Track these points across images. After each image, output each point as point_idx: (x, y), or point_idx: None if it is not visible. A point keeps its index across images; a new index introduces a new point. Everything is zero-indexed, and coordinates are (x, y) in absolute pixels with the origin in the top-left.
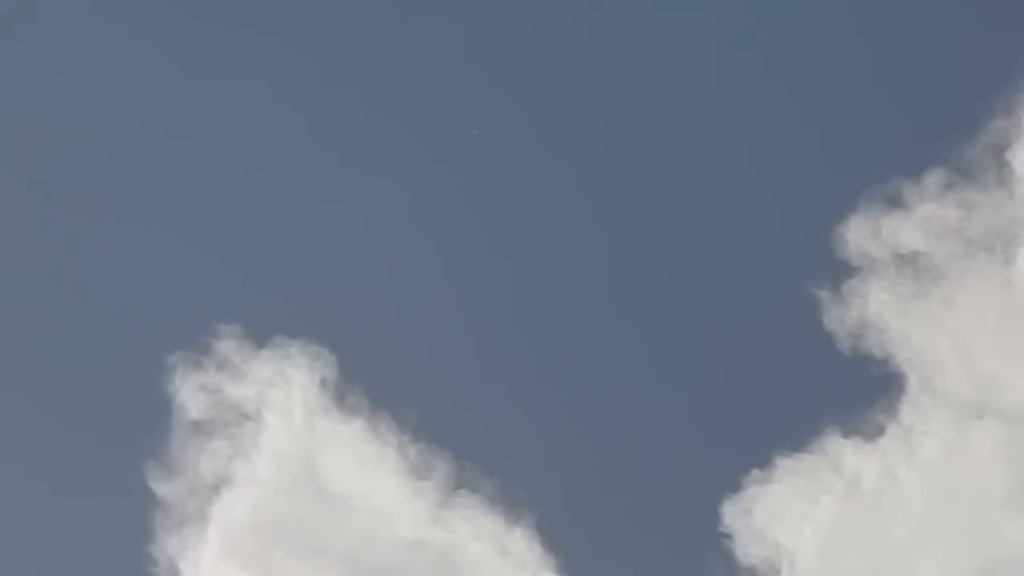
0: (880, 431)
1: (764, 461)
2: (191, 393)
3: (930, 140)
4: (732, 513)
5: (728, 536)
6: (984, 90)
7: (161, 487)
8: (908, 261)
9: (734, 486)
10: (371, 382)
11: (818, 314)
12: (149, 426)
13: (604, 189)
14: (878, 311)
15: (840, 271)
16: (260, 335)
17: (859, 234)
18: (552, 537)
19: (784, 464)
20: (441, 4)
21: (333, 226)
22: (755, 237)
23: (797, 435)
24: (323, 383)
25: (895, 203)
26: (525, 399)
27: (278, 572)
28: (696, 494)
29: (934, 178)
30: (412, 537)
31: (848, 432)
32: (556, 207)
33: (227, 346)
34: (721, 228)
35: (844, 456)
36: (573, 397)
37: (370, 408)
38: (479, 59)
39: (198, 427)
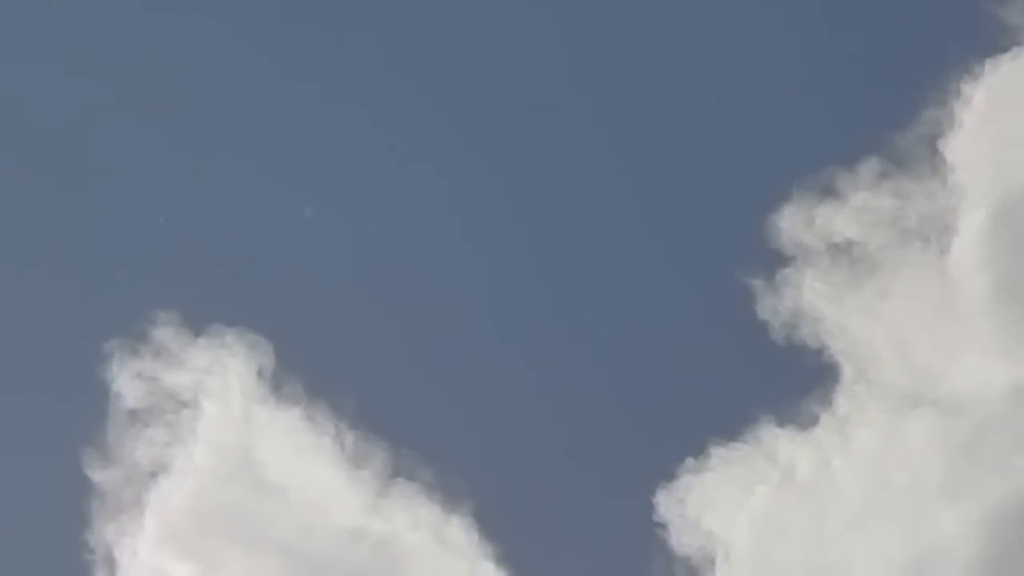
0: (815, 421)
1: (698, 451)
2: (128, 380)
3: (864, 129)
4: (666, 503)
5: (663, 526)
6: (918, 79)
7: (98, 474)
8: (842, 251)
9: (668, 476)
10: (308, 370)
11: (752, 304)
12: (86, 413)
13: (538, 179)
14: (812, 301)
15: (774, 260)
16: (197, 323)
17: (793, 223)
18: (490, 526)
19: (719, 454)
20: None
21: (270, 214)
22: (688, 226)
23: (731, 424)
24: (260, 372)
25: (829, 192)
26: (462, 388)
27: (215, 561)
28: (631, 484)
29: (868, 167)
30: (349, 526)
31: (783, 422)
32: (491, 198)
33: (164, 333)
34: (654, 217)
35: (779, 446)
36: (509, 386)
37: (307, 397)
38: (407, 41)
39: (135, 415)
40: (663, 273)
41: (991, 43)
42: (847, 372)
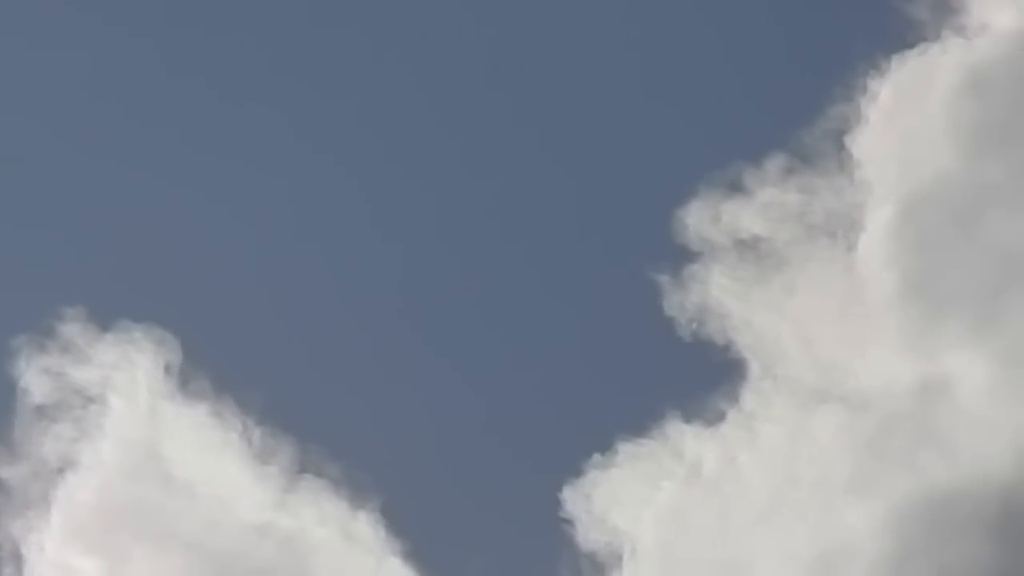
0: (721, 417)
1: (605, 446)
2: (35, 376)
3: (770, 125)
4: (573, 499)
5: (569, 522)
6: (824, 75)
7: (5, 470)
8: (749, 246)
9: (575, 472)
10: (215, 366)
11: (658, 299)
12: None
13: (445, 173)
14: (719, 297)
15: (680, 256)
16: (104, 319)
17: (700, 219)
18: (397, 522)
19: (625, 449)
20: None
21: (176, 211)
22: (595, 221)
23: (638, 420)
24: (167, 368)
25: (735, 188)
26: (369, 383)
27: (122, 557)
28: (537, 480)
29: (775, 163)
30: (256, 522)
31: (689, 418)
32: (398, 195)
33: (71, 329)
34: (561, 212)
35: (685, 442)
36: (417, 381)
37: (214, 392)
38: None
39: (42, 410)
40: (570, 268)
41: (897, 39)
42: (754, 368)
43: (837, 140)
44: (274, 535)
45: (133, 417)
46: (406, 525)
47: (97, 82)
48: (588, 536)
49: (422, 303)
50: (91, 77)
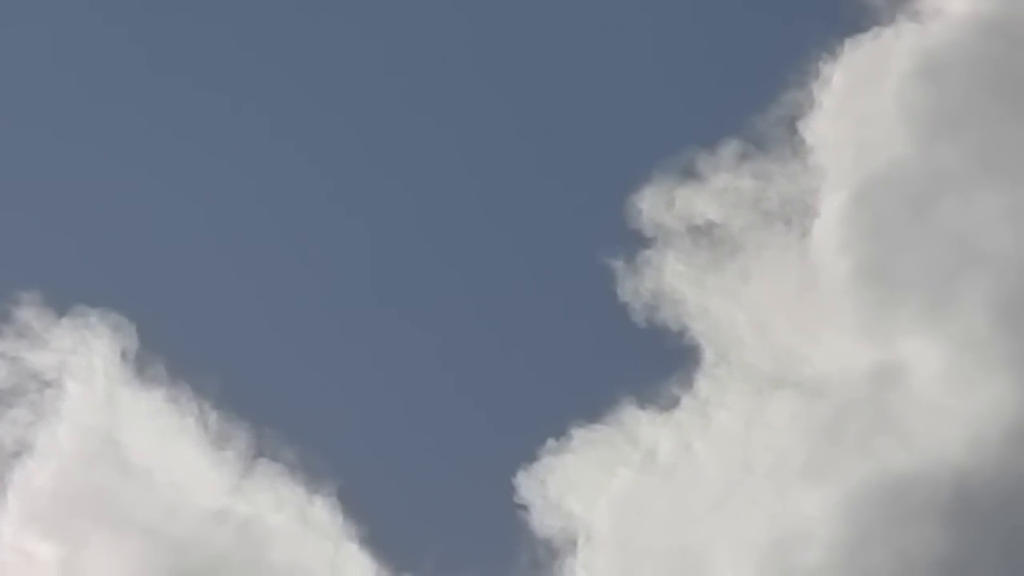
0: (676, 403)
1: (559, 432)
2: None
3: (724, 111)
4: (527, 484)
5: (524, 507)
6: (777, 60)
7: None
8: (703, 232)
9: (529, 457)
10: (171, 352)
11: (612, 285)
12: None
13: (398, 161)
14: (673, 282)
15: (634, 242)
16: (60, 303)
17: (654, 205)
18: (354, 506)
19: (580, 435)
20: None
21: (133, 196)
22: (549, 207)
23: (592, 406)
24: (124, 353)
25: (690, 174)
26: (324, 368)
27: (79, 542)
28: (492, 465)
29: (729, 149)
30: (213, 507)
31: (644, 403)
32: (350, 182)
33: (27, 314)
34: (515, 197)
35: (640, 427)
36: (371, 367)
37: (170, 378)
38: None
39: None
40: (524, 254)
41: (850, 24)
42: (708, 354)
43: (791, 126)
44: (231, 521)
45: (89, 402)
46: (363, 510)
47: (53, 64)
48: (543, 522)
49: (377, 290)
50: (47, 60)
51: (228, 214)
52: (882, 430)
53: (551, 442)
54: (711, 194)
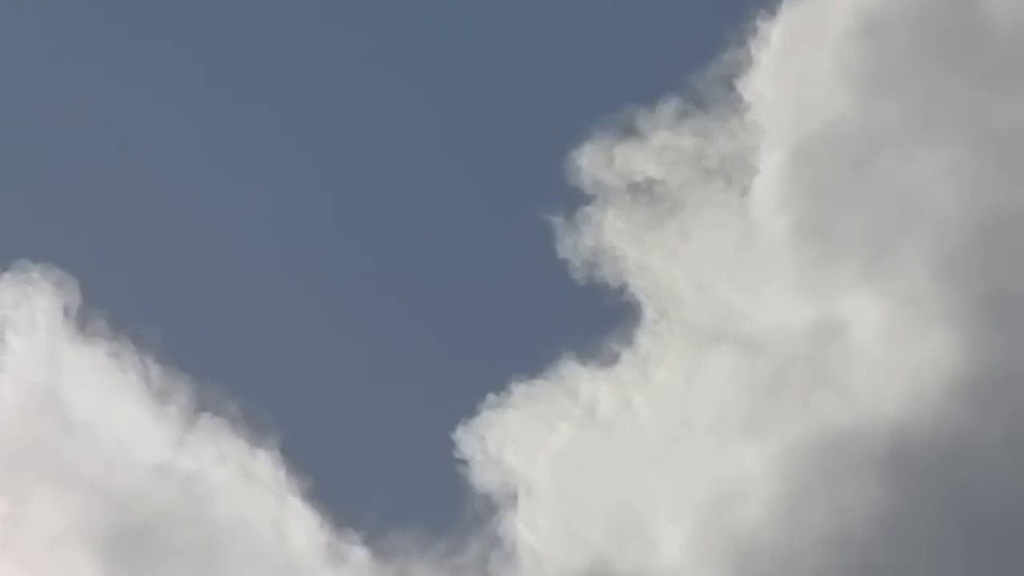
0: (616, 359)
1: (499, 387)
2: None
3: (663, 68)
4: (467, 439)
5: (464, 462)
6: (716, 19)
7: None
8: (643, 189)
9: (469, 412)
10: (113, 307)
11: (552, 242)
12: None
13: (339, 113)
14: (613, 239)
15: (574, 199)
16: (2, 258)
17: (593, 162)
18: (296, 461)
19: (520, 390)
20: None
21: (75, 152)
22: (488, 164)
23: (532, 361)
24: (66, 308)
25: (629, 131)
26: (265, 322)
27: (21, 497)
28: (431, 420)
29: (668, 106)
30: (155, 462)
31: (584, 359)
32: (292, 130)
33: None
34: (454, 154)
35: (580, 383)
36: (313, 323)
37: (112, 333)
38: None
39: None
40: (463, 210)
41: None
42: (648, 310)
43: (730, 84)
44: (173, 475)
45: (31, 357)
46: (305, 465)
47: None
48: (483, 477)
49: (320, 248)
50: None
51: (170, 169)
52: (821, 386)
53: (491, 397)
54: (650, 151)
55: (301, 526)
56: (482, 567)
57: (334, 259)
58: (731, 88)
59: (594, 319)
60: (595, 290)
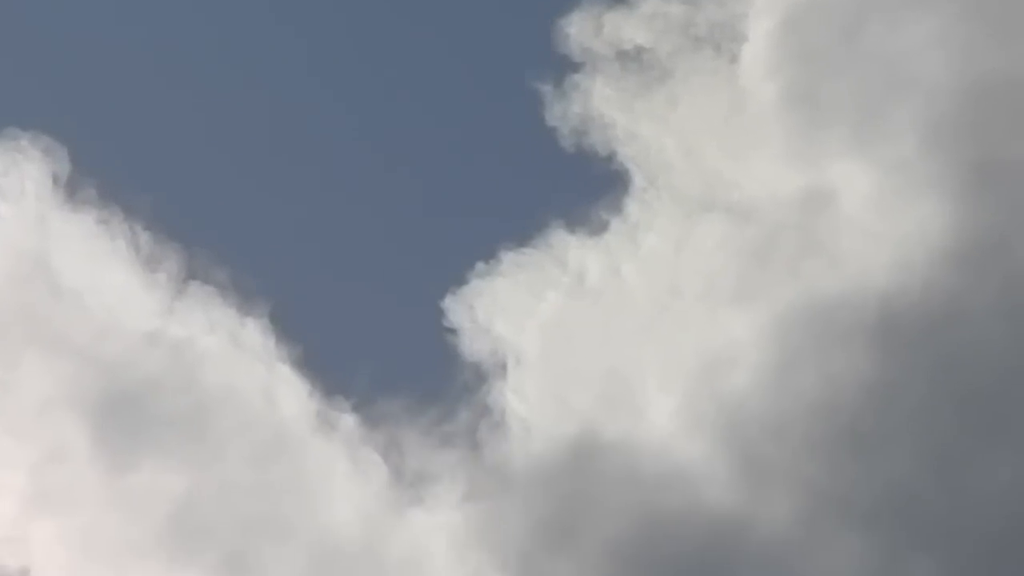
0: (605, 227)
1: (488, 255)
2: None
3: None
4: (456, 308)
5: (453, 331)
6: None
7: None
8: (632, 57)
9: (458, 281)
10: (102, 174)
11: (541, 109)
12: None
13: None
14: (602, 107)
15: (563, 66)
16: None
17: (582, 29)
18: (285, 328)
19: (508, 259)
20: None
21: (62, 20)
22: (476, 30)
23: (521, 229)
24: (55, 176)
25: None
26: (255, 188)
27: (10, 363)
28: (420, 288)
29: None
30: (145, 330)
31: (573, 227)
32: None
33: None
34: (443, 20)
35: (569, 251)
36: (303, 188)
37: (101, 201)
38: None
39: None
40: (451, 77)
41: None
42: (637, 178)
43: None
44: (163, 343)
45: (21, 225)
46: (295, 332)
47: None
48: (472, 345)
49: (309, 110)
50: None
51: (158, 36)
52: (810, 253)
53: (480, 265)
54: (640, 19)
55: (291, 394)
56: (471, 435)
57: (323, 128)
58: None
59: (583, 187)
60: (584, 158)
